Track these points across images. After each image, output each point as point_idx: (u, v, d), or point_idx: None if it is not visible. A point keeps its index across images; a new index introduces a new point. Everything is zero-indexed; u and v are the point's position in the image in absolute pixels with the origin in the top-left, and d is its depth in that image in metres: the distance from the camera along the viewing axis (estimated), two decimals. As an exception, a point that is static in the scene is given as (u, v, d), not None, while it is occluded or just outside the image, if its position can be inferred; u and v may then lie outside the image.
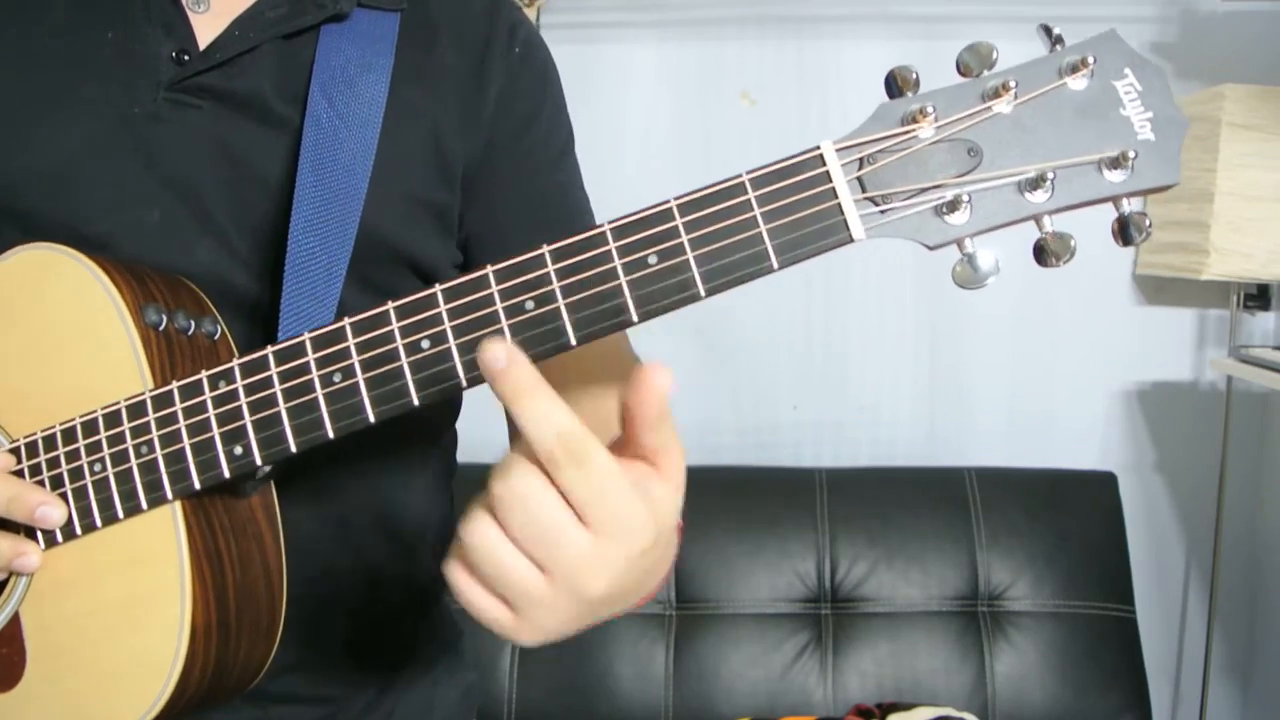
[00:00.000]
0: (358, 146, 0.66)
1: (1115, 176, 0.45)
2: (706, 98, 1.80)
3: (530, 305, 0.50)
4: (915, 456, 1.84)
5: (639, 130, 1.79)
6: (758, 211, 0.47)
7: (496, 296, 0.50)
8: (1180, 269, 1.63)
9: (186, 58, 0.66)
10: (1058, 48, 0.47)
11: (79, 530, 0.59)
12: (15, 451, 0.61)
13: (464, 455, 0.87)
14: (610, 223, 0.49)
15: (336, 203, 0.65)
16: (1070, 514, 1.65)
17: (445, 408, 0.80)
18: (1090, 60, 0.46)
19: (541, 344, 0.50)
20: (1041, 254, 0.47)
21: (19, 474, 0.61)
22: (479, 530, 0.46)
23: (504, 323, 0.50)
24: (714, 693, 1.56)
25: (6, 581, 0.61)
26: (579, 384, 0.70)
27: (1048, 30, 0.47)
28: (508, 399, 0.44)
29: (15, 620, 0.60)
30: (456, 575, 0.48)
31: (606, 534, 0.45)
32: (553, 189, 0.78)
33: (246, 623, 0.59)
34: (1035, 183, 0.45)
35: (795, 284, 1.81)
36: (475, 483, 0.47)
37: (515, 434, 0.46)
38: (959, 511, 1.63)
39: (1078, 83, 0.46)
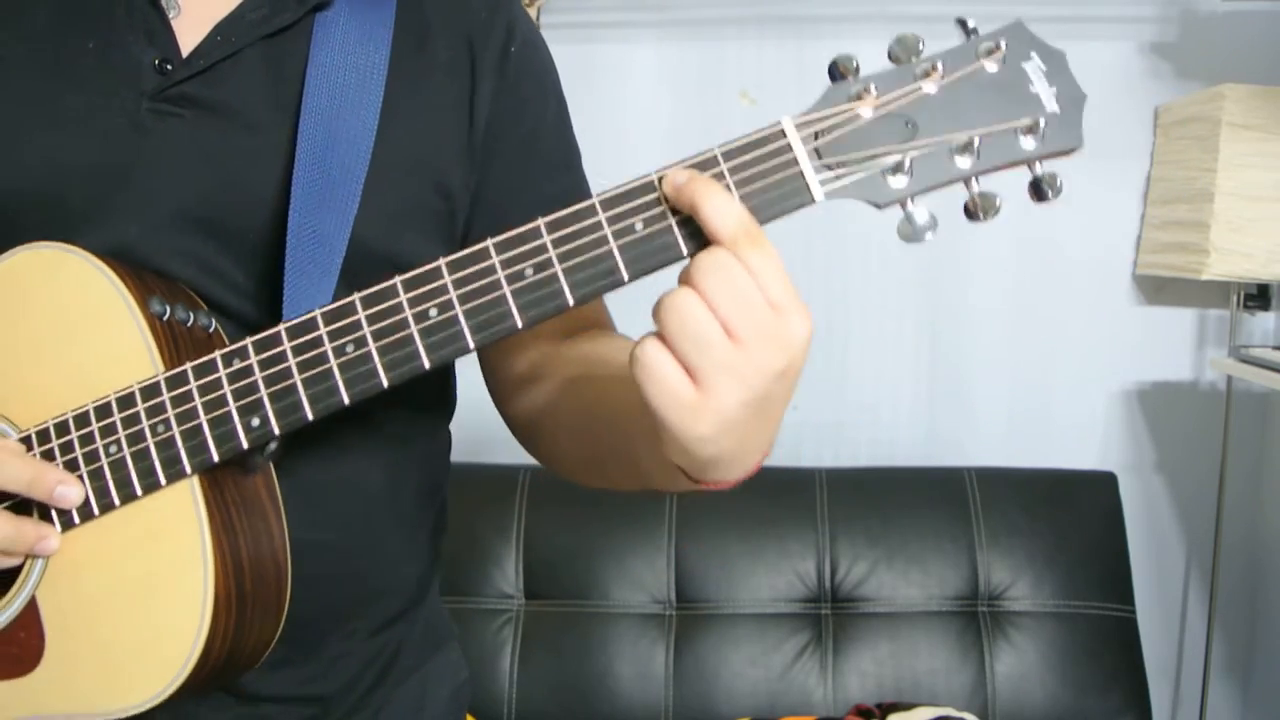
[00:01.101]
0: (352, 153, 0.65)
1: (1029, 143, 0.53)
2: (706, 98, 1.80)
3: (529, 272, 0.54)
4: (915, 456, 1.84)
5: (639, 130, 1.79)
6: (730, 180, 0.54)
7: (498, 266, 0.55)
8: (1180, 269, 1.63)
9: (169, 66, 0.64)
10: (972, 36, 0.55)
11: (96, 510, 0.59)
12: (26, 440, 0.61)
13: (463, 455, 0.87)
14: (598, 195, 0.55)
15: (332, 210, 0.64)
16: (1070, 514, 1.65)
17: (439, 408, 0.80)
18: (1001, 45, 0.54)
19: (541, 305, 0.55)
20: (970, 212, 0.54)
21: None
22: (682, 294, 0.50)
23: (506, 289, 0.54)
24: (714, 693, 1.56)
25: (20, 565, 0.61)
26: (567, 331, 0.75)
27: (962, 23, 0.55)
28: (695, 199, 0.51)
29: (32, 603, 0.61)
30: (649, 347, 0.51)
31: (785, 313, 0.51)
32: (561, 195, 0.77)
33: (260, 596, 0.60)
34: (964, 148, 0.53)
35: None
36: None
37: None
38: (959, 511, 1.63)
39: (992, 65, 0.54)
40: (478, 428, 0.89)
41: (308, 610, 0.70)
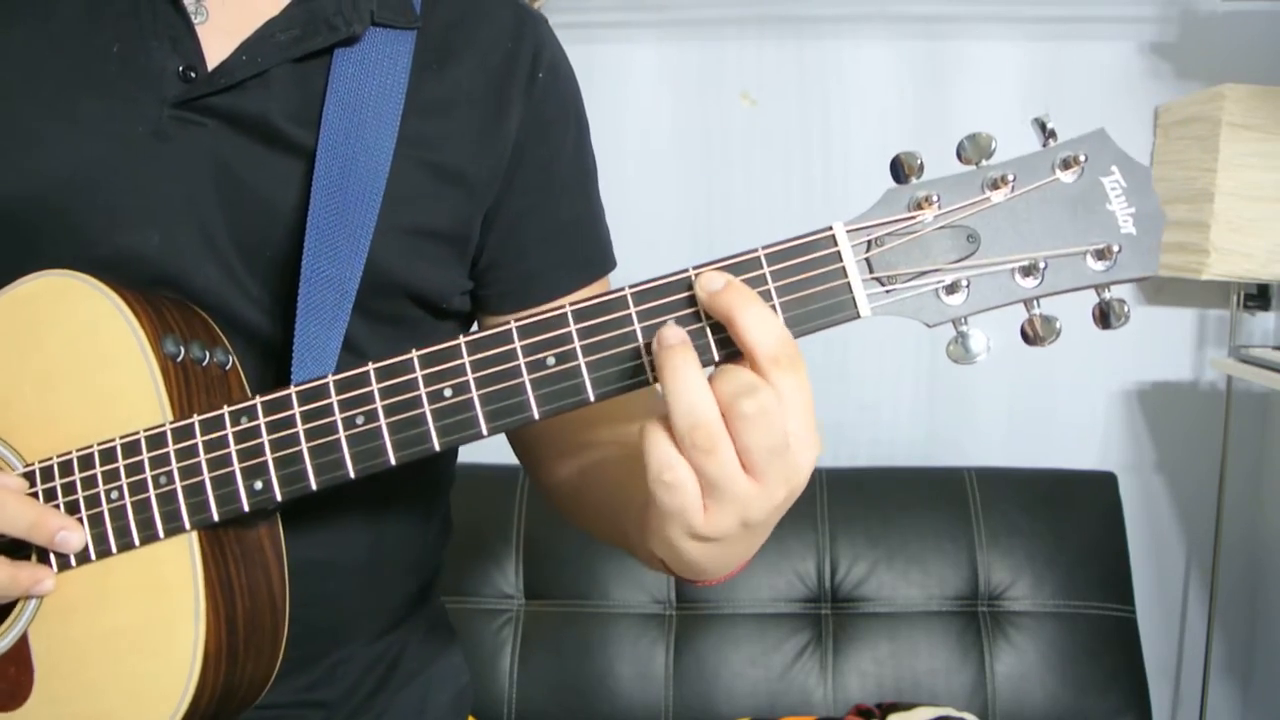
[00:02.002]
0: (370, 175, 0.64)
1: (1099, 266, 0.50)
2: (706, 98, 1.79)
3: (551, 361, 0.52)
4: (915, 456, 1.84)
5: (639, 130, 1.79)
6: (771, 286, 0.50)
7: (519, 351, 0.52)
8: (1180, 269, 1.63)
9: (193, 75, 0.64)
10: (1050, 142, 0.50)
11: (93, 556, 0.59)
12: (30, 475, 0.61)
13: (463, 455, 0.87)
14: (631, 287, 0.51)
15: (348, 231, 0.63)
16: (1070, 514, 1.65)
17: None
18: (1082, 158, 0.50)
19: (561, 399, 0.52)
20: (1027, 337, 0.51)
21: (33, 496, 0.61)
22: (706, 408, 0.46)
23: (525, 376, 0.52)
24: (714, 693, 1.56)
25: (15, 600, 0.61)
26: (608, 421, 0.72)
27: (1041, 125, 0.50)
28: (732, 309, 0.47)
29: (24, 640, 0.61)
30: (676, 464, 0.48)
31: (803, 445, 0.48)
32: (575, 221, 0.77)
33: (253, 648, 0.60)
34: (1027, 270, 0.50)
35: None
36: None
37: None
38: (959, 511, 1.63)
39: (1068, 177, 0.50)
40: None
41: (310, 626, 0.70)
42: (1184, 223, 1.62)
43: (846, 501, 1.65)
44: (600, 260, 0.79)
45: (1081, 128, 0.52)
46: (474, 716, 0.89)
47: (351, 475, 0.55)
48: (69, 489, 0.60)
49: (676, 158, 1.79)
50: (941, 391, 1.85)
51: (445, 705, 0.84)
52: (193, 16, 0.65)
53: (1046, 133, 0.50)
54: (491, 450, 1.37)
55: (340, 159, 0.64)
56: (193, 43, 0.65)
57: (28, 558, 0.61)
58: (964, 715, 1.49)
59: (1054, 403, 1.84)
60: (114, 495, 0.59)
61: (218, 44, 0.65)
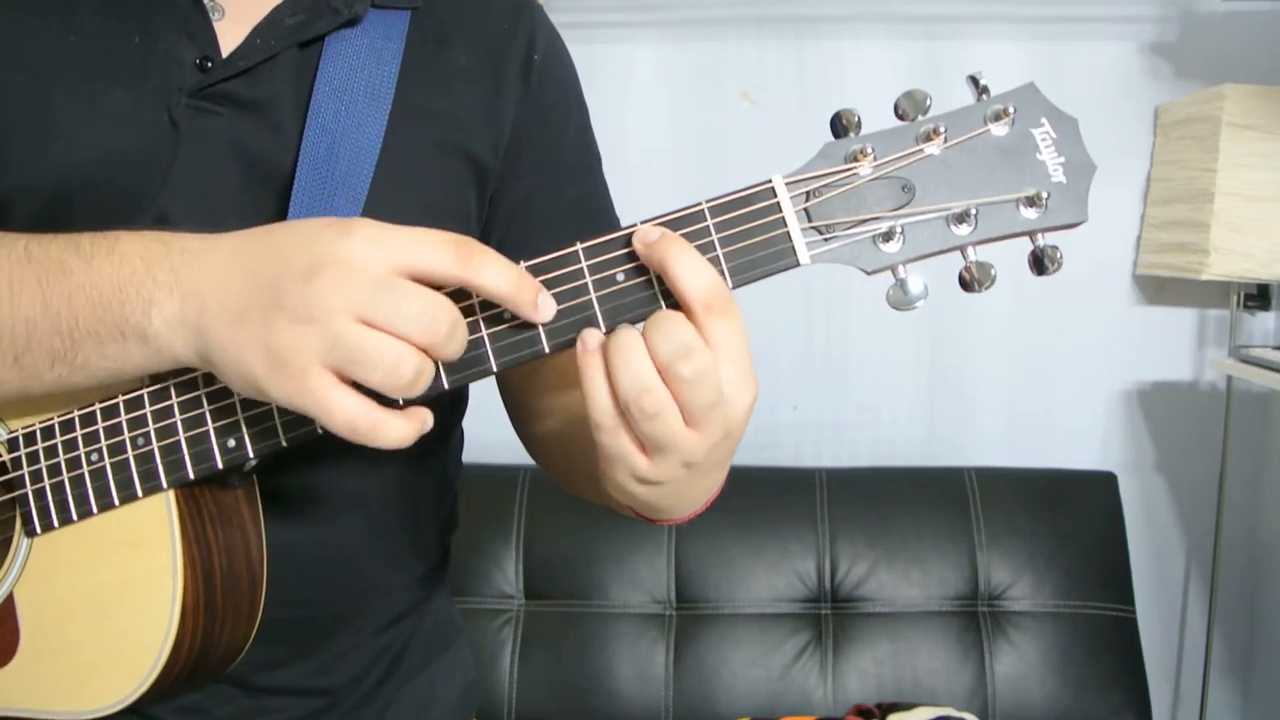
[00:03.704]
0: (360, 147, 0.66)
1: (1031, 214, 0.51)
2: (706, 98, 1.80)
3: (507, 315, 0.53)
4: (915, 456, 1.84)
5: (639, 130, 1.79)
6: (715, 237, 0.52)
7: (476, 307, 0.53)
8: (1180, 269, 1.63)
9: (209, 64, 0.65)
10: (983, 97, 0.52)
11: (75, 517, 0.61)
12: (14, 441, 0.62)
13: (467, 455, 0.87)
14: (582, 242, 0.53)
15: (334, 202, 0.64)
16: (1070, 514, 1.65)
17: (452, 406, 0.80)
18: (1011, 110, 0.52)
19: (517, 351, 0.54)
20: (964, 282, 0.53)
21: (16, 462, 0.62)
22: (637, 355, 0.48)
23: (483, 331, 0.53)
24: (714, 693, 1.56)
25: (1, 560, 0.63)
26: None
27: (974, 81, 0.52)
28: (665, 259, 0.49)
29: (10, 600, 0.63)
30: (608, 422, 0.50)
31: (738, 388, 0.50)
32: (582, 201, 0.78)
33: (230, 605, 0.62)
34: (961, 217, 0.51)
35: (795, 285, 1.81)
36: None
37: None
38: (959, 511, 1.63)
39: (1000, 129, 0.52)
40: (478, 428, 0.89)
41: (315, 609, 0.71)
42: (1184, 223, 1.62)
43: (846, 501, 1.65)
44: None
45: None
46: (474, 716, 0.89)
47: (319, 430, 0.56)
48: (50, 453, 0.61)
49: (676, 157, 1.79)
50: (941, 391, 1.85)
51: (452, 699, 0.84)
52: (210, 14, 0.67)
53: (980, 89, 0.52)
54: (491, 450, 1.37)
55: (329, 135, 0.65)
56: (209, 34, 0.66)
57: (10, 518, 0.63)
58: (964, 715, 1.50)
59: (1054, 403, 1.84)
60: (94, 457, 0.60)
61: (231, 33, 0.67)
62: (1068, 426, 1.84)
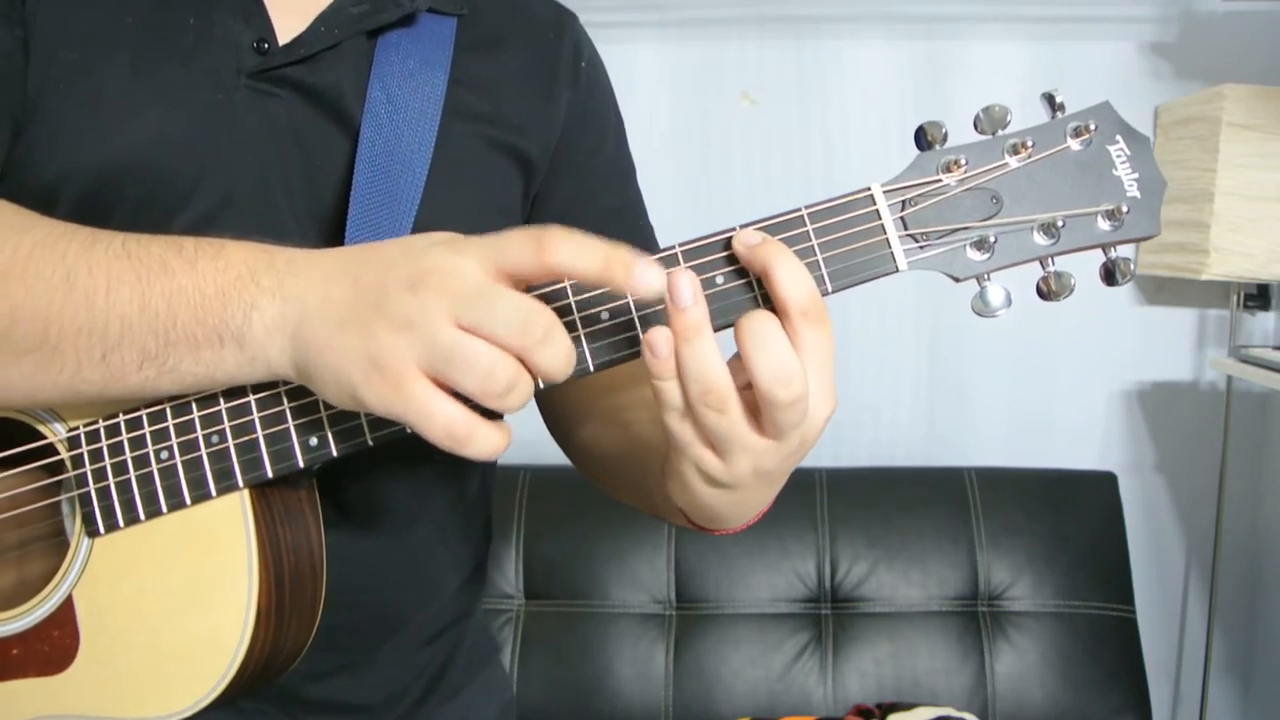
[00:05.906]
0: (415, 143, 0.66)
1: (1108, 226, 0.54)
2: (706, 98, 1.80)
3: (605, 316, 0.54)
4: (915, 456, 1.84)
5: (639, 130, 1.77)
6: (815, 242, 0.53)
7: (574, 306, 0.53)
8: (1180, 269, 1.63)
9: (266, 46, 0.65)
10: (1058, 114, 0.55)
11: (143, 516, 0.59)
12: (74, 439, 0.60)
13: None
14: (681, 244, 0.54)
15: (392, 198, 0.64)
16: (1070, 514, 1.65)
17: (494, 415, 0.80)
18: (1091, 127, 0.54)
19: (615, 352, 0.54)
20: (1042, 292, 0.55)
21: (77, 460, 0.60)
22: (716, 359, 0.48)
23: (581, 330, 0.53)
24: (714, 693, 1.56)
25: (59, 565, 0.61)
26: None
27: (1050, 98, 0.54)
28: (769, 263, 0.49)
29: (69, 602, 0.60)
30: (678, 423, 0.51)
31: (822, 398, 0.50)
32: (622, 209, 0.79)
33: (296, 607, 0.60)
34: (1046, 228, 0.53)
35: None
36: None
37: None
38: (959, 511, 1.63)
39: (1078, 145, 0.54)
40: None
41: (358, 622, 0.70)
42: (1184, 223, 1.62)
43: (846, 501, 1.65)
44: (647, 250, 0.80)
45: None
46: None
47: (407, 430, 0.54)
48: (116, 450, 0.59)
49: (676, 158, 1.79)
50: (941, 391, 1.85)
51: (489, 719, 0.83)
52: None
53: (1055, 105, 0.54)
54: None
55: (385, 128, 0.65)
56: (263, 17, 0.66)
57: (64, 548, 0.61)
58: (964, 715, 1.49)
59: (1054, 402, 1.84)
60: (164, 455, 0.58)
61: (284, 17, 0.67)
62: (1068, 426, 1.84)
